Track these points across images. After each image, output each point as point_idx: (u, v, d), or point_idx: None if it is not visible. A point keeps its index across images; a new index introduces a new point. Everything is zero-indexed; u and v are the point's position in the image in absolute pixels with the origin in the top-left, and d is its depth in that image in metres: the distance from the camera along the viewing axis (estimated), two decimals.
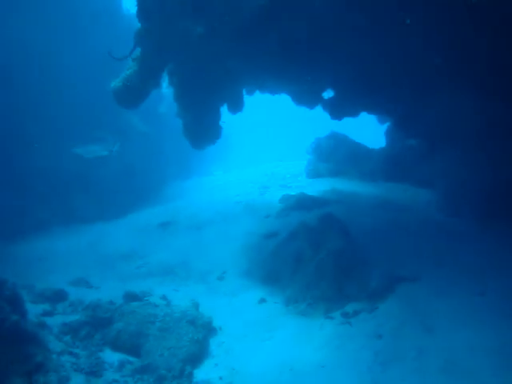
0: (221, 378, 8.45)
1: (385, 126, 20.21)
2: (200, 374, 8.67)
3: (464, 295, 9.61)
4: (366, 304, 10.01)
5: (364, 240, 11.88)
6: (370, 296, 10.15)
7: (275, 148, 37.92)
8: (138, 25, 10.84)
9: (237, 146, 33.02)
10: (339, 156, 19.87)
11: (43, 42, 18.20)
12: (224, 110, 13.07)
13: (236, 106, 12.78)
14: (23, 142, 17.77)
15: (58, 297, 11.18)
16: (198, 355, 9.07)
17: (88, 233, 16.62)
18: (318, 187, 17.60)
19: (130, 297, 11.00)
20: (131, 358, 8.97)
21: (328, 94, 13.65)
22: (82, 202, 18.99)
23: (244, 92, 13.49)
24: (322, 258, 10.85)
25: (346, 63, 11.66)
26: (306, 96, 13.29)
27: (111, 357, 8.92)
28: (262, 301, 11.04)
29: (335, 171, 19.51)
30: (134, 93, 11.27)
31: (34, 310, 9.77)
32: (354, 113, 13.35)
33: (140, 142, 22.07)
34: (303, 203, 15.26)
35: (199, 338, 9.43)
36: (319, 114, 15.07)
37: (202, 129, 12.12)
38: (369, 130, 28.16)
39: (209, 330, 9.87)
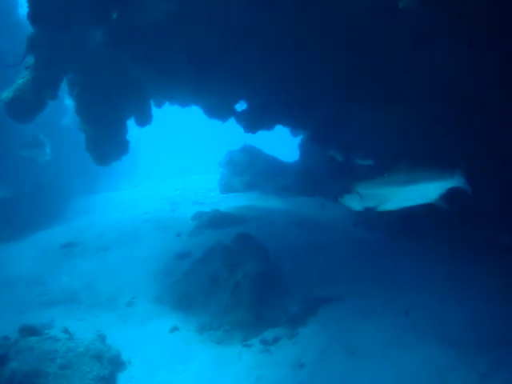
0: None
1: (298, 139, 19.98)
2: None
3: (388, 315, 9.23)
4: (286, 329, 9.41)
5: (283, 260, 11.36)
6: (291, 320, 9.56)
7: (187, 161, 37.04)
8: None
9: (147, 159, 31.95)
10: (253, 170, 19.37)
11: None
12: (131, 123, 12.24)
13: (144, 118, 11.98)
14: None
15: None
16: None
17: None
18: (232, 203, 16.96)
19: (28, 330, 9.85)
20: None
21: (241, 106, 13.09)
22: None
23: (152, 104, 12.70)
24: (238, 281, 10.18)
25: (260, 75, 11.13)
26: (218, 108, 12.65)
27: None
28: (175, 329, 10.20)
29: (249, 186, 18.97)
30: (28, 105, 10.21)
31: None
32: (268, 126, 12.82)
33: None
34: (217, 221, 14.58)
35: (105, 374, 8.50)
36: (232, 126, 14.53)
37: (106, 144, 11.21)
38: (282, 143, 27.92)
39: (117, 364, 8.94)
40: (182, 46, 9.84)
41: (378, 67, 10.31)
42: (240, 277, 10.18)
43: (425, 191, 5.67)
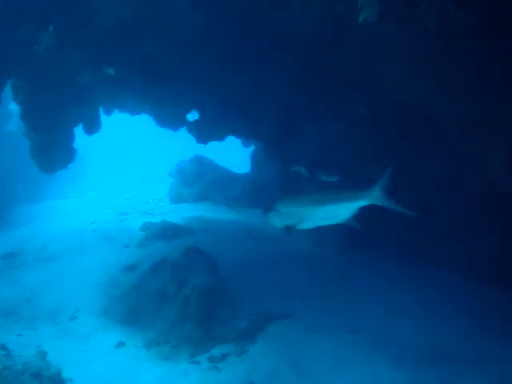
0: None
1: (249, 150, 19.85)
2: None
3: (337, 333, 9.11)
4: (235, 346, 9.20)
5: (233, 274, 11.16)
6: (239, 337, 9.35)
7: (137, 171, 36.40)
8: None
9: (95, 167, 31.18)
10: (204, 180, 19.10)
11: None
12: (79, 130, 11.86)
13: (92, 126, 11.61)
14: None
15: None
16: None
17: None
18: (182, 213, 16.65)
19: None
20: None
21: (193, 115, 12.86)
22: None
23: (101, 111, 12.33)
24: (187, 296, 9.91)
25: (212, 85, 10.95)
26: (169, 118, 12.37)
27: None
28: (121, 344, 9.87)
29: (200, 196, 18.68)
30: None
31: None
32: (220, 136, 12.62)
33: None
34: (166, 232, 14.27)
35: None
36: (184, 135, 14.27)
37: (52, 151, 10.79)
38: (233, 153, 27.69)
39: (57, 382, 8.51)
40: (133, 53, 9.58)
41: (329, 81, 10.30)
42: (189, 291, 9.92)
43: (338, 211, 5.74)
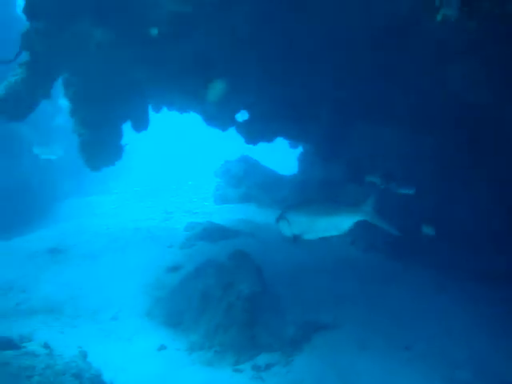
0: None
1: (296, 151, 19.46)
2: None
3: (389, 348, 8.68)
4: (279, 355, 8.86)
5: (278, 280, 10.83)
6: (285, 346, 9.01)
7: (182, 168, 36.32)
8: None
9: (140, 163, 31.27)
10: (249, 181, 18.79)
11: None
12: (127, 127, 11.69)
13: (141, 123, 11.40)
14: None
15: None
16: None
17: None
18: (226, 215, 16.38)
19: (4, 343, 9.26)
20: None
21: (242, 116, 12.56)
22: None
23: (150, 108, 12.14)
24: (232, 301, 9.60)
25: (263, 85, 10.63)
26: (219, 117, 12.10)
27: None
28: (163, 347, 9.62)
29: (245, 197, 18.38)
30: (20, 103, 9.59)
31: None
32: (270, 137, 12.29)
33: (33, 156, 20.22)
34: (211, 233, 14.01)
35: None
36: (231, 134, 14.00)
37: (100, 148, 10.63)
38: (279, 155, 27.31)
39: None
40: (187, 51, 9.31)
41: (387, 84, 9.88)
42: (234, 297, 9.62)
43: (338, 223, 6.14)
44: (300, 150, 18.69)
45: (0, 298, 11.86)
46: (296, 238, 6.27)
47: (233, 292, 9.75)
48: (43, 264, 13.72)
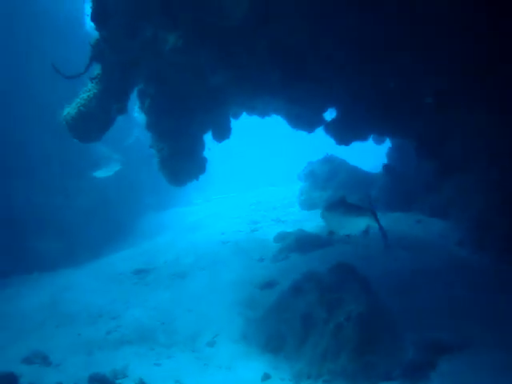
0: None
1: (381, 147, 18.26)
2: None
3: None
4: None
5: (385, 291, 9.63)
6: (406, 374, 7.82)
7: (261, 172, 35.46)
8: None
9: (218, 171, 30.62)
10: (336, 183, 17.65)
11: None
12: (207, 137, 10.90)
13: (223, 132, 10.55)
14: None
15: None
16: None
17: (50, 285, 14.15)
18: (316, 221, 15.27)
19: (99, 380, 8.67)
20: None
21: (331, 114, 11.47)
22: (42, 244, 16.71)
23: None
24: (340, 323, 8.52)
25: (355, 80, 9.52)
26: (305, 118, 11.09)
27: None
28: (266, 377, 8.68)
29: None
30: (94, 122, 8.89)
31: None
32: (364, 136, 11.15)
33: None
34: (303, 243, 13.02)
35: None
36: (310, 135, 13.02)
37: (181, 162, 9.84)
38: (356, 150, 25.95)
39: None
40: (265, 51, 8.35)
41: None
42: (342, 318, 8.54)
43: (358, 224, 7.30)
44: (387, 145, 17.51)
45: (90, 326, 11.37)
46: (331, 233, 8.10)
47: (341, 312, 8.67)
48: (131, 287, 13.20)
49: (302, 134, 13.57)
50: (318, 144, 18.16)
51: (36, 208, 16.94)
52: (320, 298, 9.25)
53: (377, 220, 7.31)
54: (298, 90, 8.94)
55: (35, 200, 17.04)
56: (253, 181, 30.87)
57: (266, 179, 30.43)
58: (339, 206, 7.46)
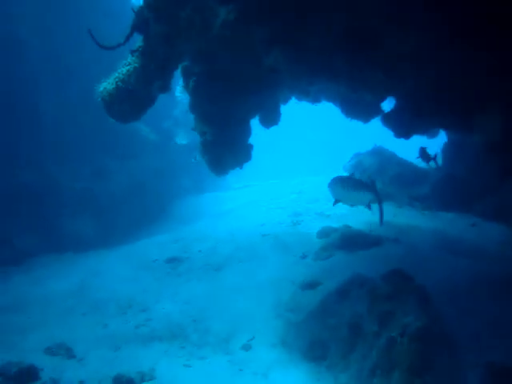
0: None
1: (433, 141, 17.11)
2: None
3: None
4: None
5: (441, 299, 8.64)
6: None
7: (301, 160, 34.50)
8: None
9: (260, 156, 29.75)
10: (384, 177, 16.60)
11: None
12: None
13: (271, 117, 9.66)
14: (4, 155, 14.94)
15: (25, 376, 8.21)
16: None
17: (80, 267, 13.61)
18: (363, 217, 14.29)
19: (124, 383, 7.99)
20: None
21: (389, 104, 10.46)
22: (77, 224, 16.25)
23: None
24: (394, 338, 7.62)
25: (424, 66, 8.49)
26: (362, 106, 10.11)
27: None
28: None
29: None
30: (133, 99, 8.06)
31: None
32: (426, 128, 10.10)
33: (150, 153, 19.42)
34: (349, 241, 12.06)
35: None
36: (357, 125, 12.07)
37: (226, 148, 8.99)
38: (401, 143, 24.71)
39: None
40: (341, 32, 7.35)
41: None
42: (396, 332, 7.62)
43: (362, 198, 8.16)
44: (442, 140, 16.39)
45: (118, 317, 10.71)
46: (336, 202, 8.50)
47: (394, 325, 7.76)
48: (163, 276, 12.48)
49: (347, 124, 12.73)
50: (363, 135, 17.13)
51: (72, 189, 16.47)
52: (370, 308, 8.35)
53: (379, 199, 8.40)
54: (364, 77, 7.95)
55: (71, 181, 16.56)
56: (294, 169, 29.91)
57: (307, 168, 29.45)
58: (348, 180, 8.30)
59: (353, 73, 7.54)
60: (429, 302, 8.13)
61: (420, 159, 12.35)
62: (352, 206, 9.72)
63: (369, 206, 8.44)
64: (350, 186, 8.14)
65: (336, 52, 7.19)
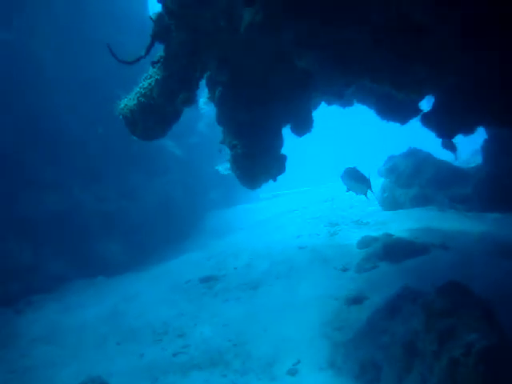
0: None
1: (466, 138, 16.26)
2: None
3: None
4: None
5: (502, 315, 7.92)
6: None
7: (330, 165, 33.78)
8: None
9: (289, 164, 29.20)
10: (422, 179, 15.82)
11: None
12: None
13: (304, 124, 9.04)
14: (30, 181, 14.59)
15: None
16: None
17: (112, 292, 13.11)
18: (403, 224, 13.53)
19: None
20: None
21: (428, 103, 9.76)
22: (108, 247, 15.89)
23: None
24: (457, 358, 6.90)
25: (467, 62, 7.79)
26: (402, 106, 9.43)
27: None
28: None
29: (418, 199, 15.38)
30: (157, 115, 7.51)
31: None
32: (470, 127, 9.38)
33: (177, 169, 19.01)
34: (392, 250, 11.32)
35: None
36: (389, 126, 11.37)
37: (257, 161, 8.40)
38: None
39: None
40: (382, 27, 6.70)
41: None
42: (459, 352, 6.91)
43: (363, 189, 9.51)
44: (481, 137, 15.55)
45: (155, 345, 10.14)
46: (348, 190, 9.73)
47: (456, 344, 7.04)
48: (198, 298, 11.89)
49: (378, 127, 12.07)
50: (394, 138, 16.43)
51: (100, 211, 16.08)
52: (427, 325, 7.63)
53: (371, 190, 9.47)
54: (408, 76, 7.27)
55: (98, 202, 16.18)
56: (323, 174, 29.24)
57: (337, 173, 28.70)
58: (354, 172, 9.54)
59: (399, 68, 6.85)
60: (493, 317, 7.41)
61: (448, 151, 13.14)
62: (357, 194, 10.20)
63: (365, 194, 9.59)
64: (356, 177, 9.53)
65: (377, 46, 6.50)
